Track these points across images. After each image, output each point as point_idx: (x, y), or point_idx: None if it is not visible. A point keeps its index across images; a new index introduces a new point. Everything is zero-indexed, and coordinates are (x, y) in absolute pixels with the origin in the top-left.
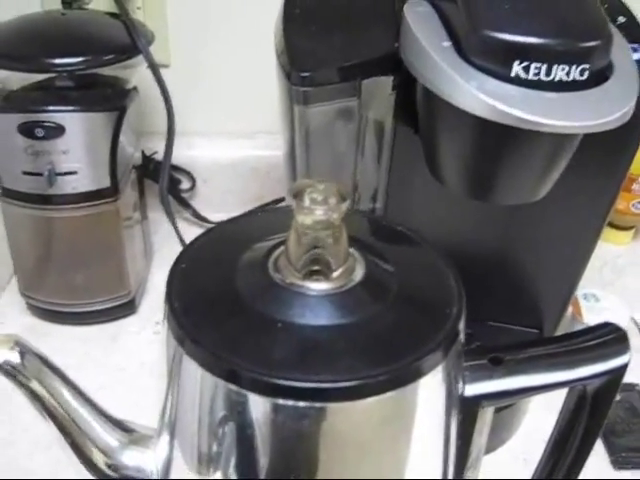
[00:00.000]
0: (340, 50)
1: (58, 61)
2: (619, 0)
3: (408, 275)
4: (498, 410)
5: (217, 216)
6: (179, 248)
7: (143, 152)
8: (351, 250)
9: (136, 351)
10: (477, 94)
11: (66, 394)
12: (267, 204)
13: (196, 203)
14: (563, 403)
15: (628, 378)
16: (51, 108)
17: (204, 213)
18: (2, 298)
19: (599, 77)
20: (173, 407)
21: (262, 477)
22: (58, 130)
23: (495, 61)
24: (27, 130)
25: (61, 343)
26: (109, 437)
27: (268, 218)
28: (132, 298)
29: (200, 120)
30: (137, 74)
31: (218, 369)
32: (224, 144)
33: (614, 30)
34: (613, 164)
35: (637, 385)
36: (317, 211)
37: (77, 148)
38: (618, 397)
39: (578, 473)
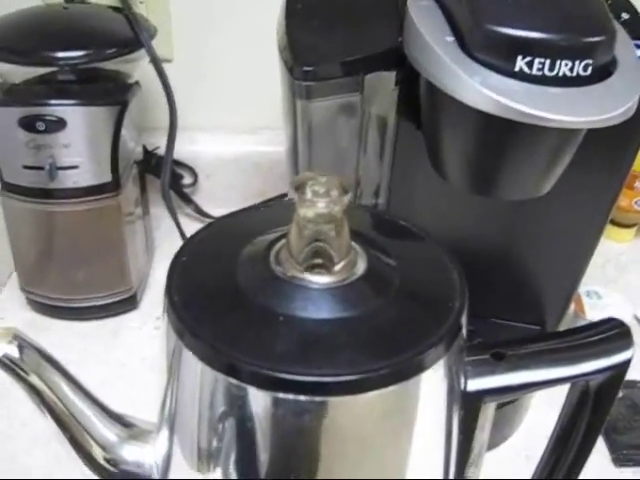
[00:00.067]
0: (343, 45)
1: (60, 55)
2: None
3: (410, 269)
4: (500, 406)
5: (219, 211)
6: (181, 244)
7: (145, 147)
8: (353, 244)
9: (137, 346)
10: (480, 89)
11: (65, 388)
12: (269, 200)
13: (198, 199)
14: (565, 399)
15: (630, 375)
16: (52, 102)
17: (206, 209)
18: (2, 293)
19: (603, 73)
20: (173, 401)
21: (262, 472)
22: (59, 124)
23: (498, 56)
24: (28, 124)
25: (61, 338)
26: (108, 432)
27: (269, 212)
28: (133, 293)
29: (203, 115)
30: (139, 69)
31: (218, 363)
32: (227, 139)
33: (618, 26)
34: (616, 161)
35: (639, 382)
36: (319, 204)
37: (78, 142)
38: (620, 394)
39: (580, 470)
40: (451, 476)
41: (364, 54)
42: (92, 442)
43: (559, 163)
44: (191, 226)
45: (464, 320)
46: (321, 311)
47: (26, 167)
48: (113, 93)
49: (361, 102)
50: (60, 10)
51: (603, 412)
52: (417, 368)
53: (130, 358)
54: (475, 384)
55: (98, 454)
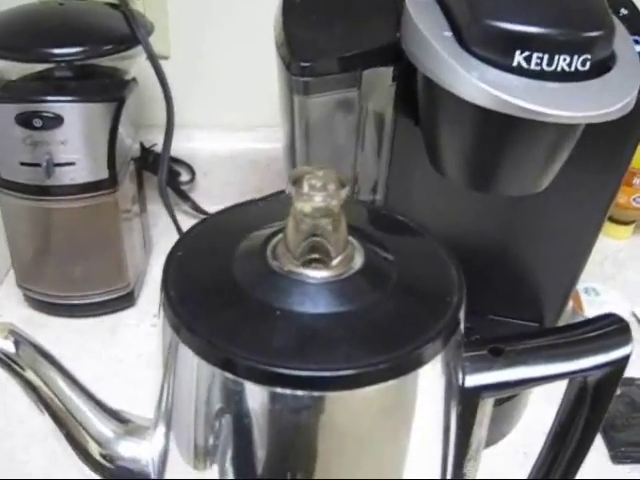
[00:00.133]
0: (340, 40)
1: (56, 51)
2: None
3: (408, 264)
4: (498, 403)
5: (216, 209)
6: None
7: (142, 144)
8: (350, 238)
9: (134, 344)
10: (478, 84)
11: (61, 384)
12: (267, 197)
13: (195, 196)
14: (563, 395)
15: (628, 372)
16: (49, 98)
17: (203, 206)
18: None
19: (601, 68)
20: (169, 397)
21: (259, 467)
22: (56, 120)
23: (497, 51)
24: (25, 120)
25: (58, 335)
26: (104, 428)
27: (266, 207)
28: (131, 290)
29: (200, 112)
30: (136, 65)
31: (214, 357)
32: (224, 136)
33: (617, 22)
34: (615, 157)
35: (637, 379)
36: (316, 197)
37: (75, 139)
38: (618, 392)
39: (578, 467)
40: (449, 471)
41: (362, 50)
42: (88, 438)
43: (557, 159)
44: (188, 223)
45: (462, 315)
46: (318, 306)
47: (23, 164)
48: (110, 90)
49: (359, 98)
50: (56, 6)
51: (601, 408)
52: (415, 363)
53: (127, 355)
54: (473, 380)
55: (94, 450)
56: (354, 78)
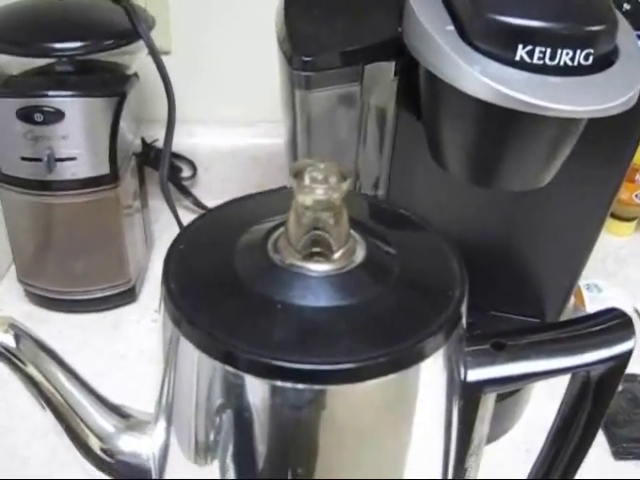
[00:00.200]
0: (342, 35)
1: (58, 46)
2: None
3: (410, 257)
4: (501, 399)
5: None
6: None
7: (143, 140)
8: (352, 232)
9: (136, 339)
10: (480, 78)
11: (62, 378)
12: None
13: (197, 191)
14: (566, 390)
15: (630, 369)
16: (50, 93)
17: (204, 201)
18: (0, 285)
19: (604, 62)
20: (170, 391)
21: (260, 461)
22: (57, 115)
23: (499, 45)
24: (26, 115)
25: (60, 331)
26: (105, 422)
27: (267, 200)
28: (132, 286)
29: (201, 108)
30: (138, 60)
31: (215, 351)
32: (225, 132)
33: (620, 16)
34: (617, 153)
35: (639, 375)
36: (317, 190)
37: (76, 133)
38: (620, 387)
39: (580, 463)
40: (451, 466)
41: (363, 44)
42: (89, 432)
43: (559, 154)
44: (189, 219)
45: (464, 309)
46: (319, 299)
47: (24, 159)
48: (111, 84)
49: (360, 93)
50: (57, 1)
51: (604, 403)
52: (416, 357)
53: (129, 351)
54: (475, 374)
55: (95, 445)
56: (356, 73)
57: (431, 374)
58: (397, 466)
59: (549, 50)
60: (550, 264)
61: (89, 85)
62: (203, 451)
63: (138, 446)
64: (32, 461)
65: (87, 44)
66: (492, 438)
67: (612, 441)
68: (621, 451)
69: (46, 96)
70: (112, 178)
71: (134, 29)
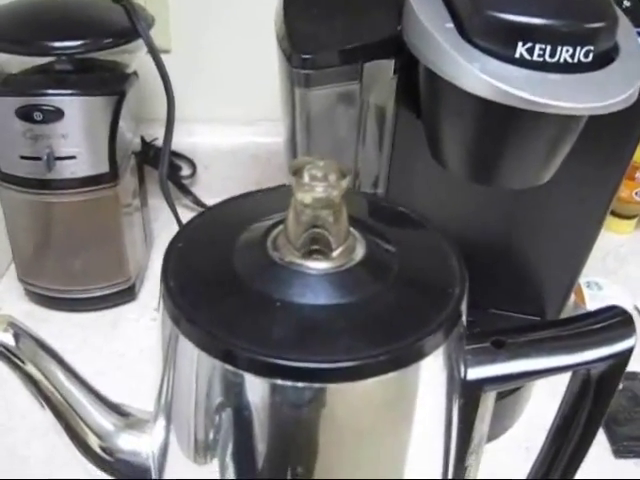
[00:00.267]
0: (342, 33)
1: (57, 44)
2: None
3: (409, 255)
4: (500, 397)
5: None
6: None
7: (143, 138)
8: (351, 229)
9: (135, 338)
10: (480, 75)
11: (61, 377)
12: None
13: (196, 190)
14: (566, 388)
15: (631, 367)
16: (50, 92)
17: (204, 200)
18: (0, 284)
19: (604, 59)
20: (169, 390)
21: (260, 459)
22: (57, 114)
23: (499, 42)
24: (25, 114)
25: (60, 329)
26: (104, 421)
27: (266, 198)
28: (132, 285)
29: (201, 106)
30: (137, 59)
31: (214, 349)
32: (224, 130)
33: (620, 13)
34: (617, 151)
35: None
36: (317, 188)
37: (76, 132)
38: (620, 386)
39: (580, 462)
40: (451, 465)
41: (363, 42)
42: (88, 431)
43: (559, 151)
44: (189, 217)
45: (464, 307)
46: (319, 297)
47: (23, 157)
48: (110, 83)
49: (360, 91)
50: (57, 0)
51: (604, 402)
52: (416, 355)
53: (128, 349)
54: (475, 372)
55: (94, 443)
56: (355, 71)
57: (431, 372)
58: (397, 465)
59: (549, 47)
60: (550, 262)
61: (88, 84)
62: (203, 450)
63: (137, 445)
64: (32, 460)
65: (86, 43)
66: (492, 436)
67: (613, 439)
68: (622, 449)
69: (45, 95)
70: (111, 177)
71: (133, 28)
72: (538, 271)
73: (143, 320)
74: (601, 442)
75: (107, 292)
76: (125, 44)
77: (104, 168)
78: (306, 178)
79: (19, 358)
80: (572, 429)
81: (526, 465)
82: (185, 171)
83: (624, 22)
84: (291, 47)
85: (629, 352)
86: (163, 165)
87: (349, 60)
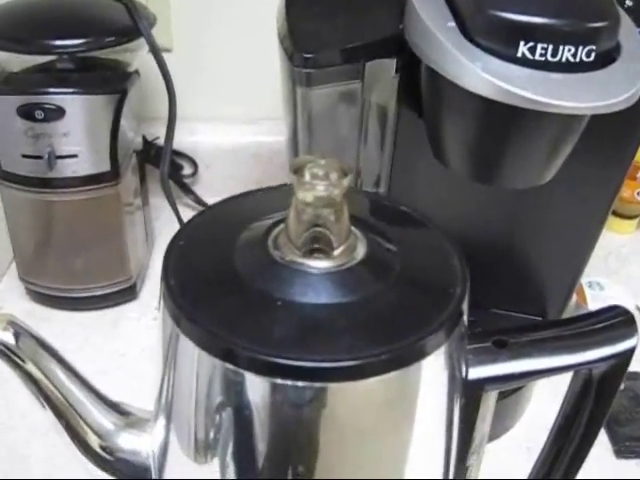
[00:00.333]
0: (343, 32)
1: (58, 43)
2: None
3: (411, 254)
4: (502, 397)
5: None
6: None
7: (145, 137)
8: (353, 228)
9: (136, 337)
10: (482, 74)
11: (61, 376)
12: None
13: (198, 189)
14: (568, 388)
15: (632, 367)
16: (51, 90)
17: (206, 199)
18: (1, 283)
19: (606, 59)
20: (170, 389)
21: (260, 458)
22: (58, 112)
23: (501, 41)
24: (27, 112)
25: (61, 328)
26: (104, 420)
27: (267, 197)
28: (133, 284)
29: (202, 105)
30: (139, 58)
31: (215, 348)
32: (226, 129)
33: (622, 13)
34: (619, 151)
35: None
36: (318, 186)
37: (77, 131)
38: (622, 386)
39: (582, 462)
40: (452, 464)
41: (364, 41)
42: (88, 430)
43: (561, 151)
44: (191, 216)
45: (465, 306)
46: (320, 296)
47: (25, 156)
48: (112, 82)
49: (361, 90)
50: None
51: (606, 402)
52: (417, 354)
53: (129, 348)
54: (476, 372)
55: (94, 442)
56: (357, 70)
57: (432, 372)
58: (398, 464)
59: (551, 46)
60: (552, 262)
61: (90, 82)
62: (203, 449)
63: (138, 444)
64: (32, 459)
65: (88, 41)
66: (494, 436)
67: (614, 440)
68: (623, 450)
69: (47, 93)
70: (113, 175)
71: (135, 26)
72: (540, 271)
73: (144, 319)
74: (602, 442)
75: (108, 291)
76: (127, 43)
77: (105, 167)
78: (307, 177)
79: (19, 357)
80: (574, 429)
81: (527, 465)
82: (186, 170)
83: (626, 21)
84: (293, 46)
85: (631, 352)
86: (164, 164)
87: (351, 59)
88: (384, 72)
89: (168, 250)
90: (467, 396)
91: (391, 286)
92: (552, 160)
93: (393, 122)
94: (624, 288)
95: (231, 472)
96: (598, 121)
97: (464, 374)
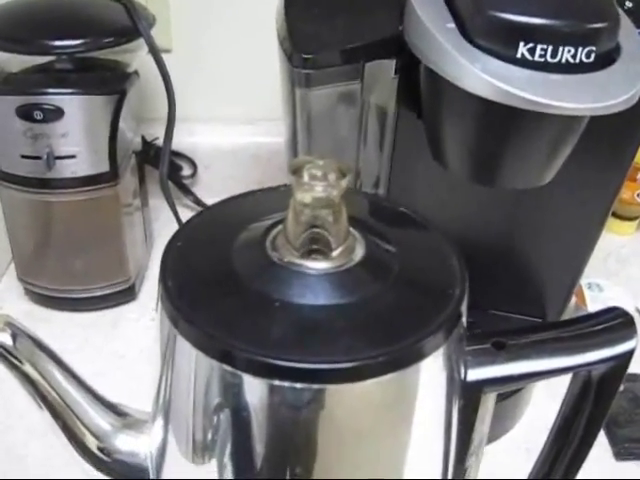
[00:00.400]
0: (343, 32)
1: (58, 43)
2: None
3: (409, 255)
4: (501, 398)
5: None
6: None
7: (144, 138)
8: (351, 229)
9: (135, 338)
10: (482, 75)
11: (59, 377)
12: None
13: (197, 190)
14: (567, 390)
15: (632, 368)
16: (50, 91)
17: (205, 199)
18: (0, 283)
19: (606, 60)
20: (167, 390)
21: (258, 460)
22: (57, 113)
23: (500, 42)
24: (26, 113)
25: (60, 329)
26: (102, 421)
27: (266, 198)
28: (132, 284)
29: (201, 106)
30: (138, 58)
31: (213, 350)
32: (225, 130)
33: (622, 14)
34: (618, 153)
35: None
36: (316, 187)
37: (76, 131)
38: (621, 387)
39: (581, 464)
40: (450, 466)
41: (364, 42)
42: (85, 431)
43: (561, 152)
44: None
45: (464, 308)
46: (318, 297)
47: (23, 156)
48: (111, 82)
49: (361, 91)
50: None
51: (605, 403)
52: (416, 356)
53: (128, 349)
54: (475, 374)
55: (92, 443)
56: (356, 71)
57: (431, 373)
58: (396, 466)
59: (550, 47)
60: (551, 263)
61: (89, 83)
62: (201, 450)
63: (135, 445)
64: (29, 460)
65: (87, 42)
66: (493, 438)
67: (613, 441)
68: (622, 452)
69: (46, 94)
70: (112, 176)
71: (134, 27)
72: (539, 272)
73: (143, 320)
74: (602, 444)
75: (107, 292)
76: (126, 43)
77: (104, 167)
78: (306, 177)
79: (16, 358)
80: (573, 431)
81: (527, 466)
82: (186, 171)
83: (626, 23)
84: (292, 47)
85: (630, 354)
86: (163, 165)
87: (350, 60)
88: (383, 73)
89: (166, 251)
90: (466, 398)
91: (389, 287)
92: (552, 161)
93: (392, 123)
94: (624, 289)
95: (229, 474)
96: (598, 122)
97: (463, 376)
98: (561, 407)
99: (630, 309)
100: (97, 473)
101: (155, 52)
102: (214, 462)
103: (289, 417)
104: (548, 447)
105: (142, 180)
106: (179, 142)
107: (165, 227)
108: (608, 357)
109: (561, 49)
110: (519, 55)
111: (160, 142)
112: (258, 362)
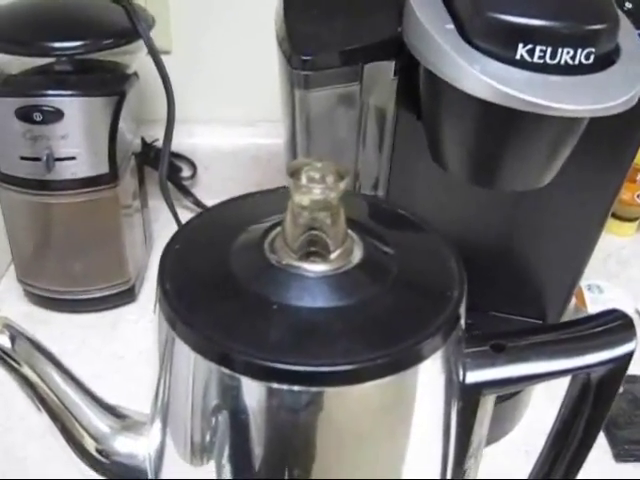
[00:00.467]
0: (342, 34)
1: (57, 45)
2: None
3: (408, 257)
4: (500, 401)
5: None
6: None
7: (143, 139)
8: (349, 232)
9: (134, 339)
10: (481, 77)
11: (57, 379)
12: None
13: (196, 191)
14: (566, 392)
15: (631, 370)
16: (50, 92)
17: (204, 201)
18: (0, 285)
19: (605, 61)
20: (166, 392)
21: (257, 463)
22: (56, 114)
23: (499, 44)
24: (25, 114)
25: (59, 331)
26: (100, 423)
27: (264, 200)
28: (131, 286)
29: (201, 107)
30: (138, 60)
31: (211, 353)
32: (225, 132)
33: (621, 15)
34: (618, 154)
35: None
36: (314, 190)
37: (76, 133)
38: (621, 389)
39: (580, 466)
40: (449, 469)
41: (363, 43)
42: (84, 433)
43: (560, 153)
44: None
45: (463, 310)
46: (316, 300)
47: (23, 158)
48: (111, 84)
49: (360, 92)
50: (57, 0)
51: (605, 405)
52: (415, 358)
53: (128, 351)
54: (474, 376)
55: (90, 445)
56: (355, 72)
57: (429, 376)
58: (395, 469)
59: (550, 49)
60: (551, 264)
61: (88, 84)
62: (199, 453)
63: (134, 447)
64: (28, 461)
65: (87, 43)
66: (492, 440)
67: (613, 443)
68: (622, 453)
69: (45, 95)
70: (111, 178)
71: (134, 28)
72: (539, 274)
73: (142, 321)
74: (601, 446)
75: (107, 293)
76: (125, 45)
77: (104, 169)
78: (304, 180)
79: (15, 360)
80: (572, 433)
81: (526, 468)
82: (185, 172)
83: (625, 24)
84: (291, 48)
85: (629, 356)
86: (163, 166)
87: (349, 61)
88: (382, 74)
89: (164, 253)
90: (465, 400)
91: (388, 289)
92: (551, 162)
93: (391, 124)
94: (624, 291)
95: (227, 476)
96: (597, 124)
97: (462, 378)
98: (560, 409)
99: (630, 311)
100: (95, 475)
101: (154, 53)
102: (212, 464)
103: (287, 420)
104: (547, 449)
105: (142, 181)
106: (179, 143)
107: (165, 228)
108: (607, 359)
109: (560, 50)
110: (518, 56)
111: (160, 143)
112: (256, 365)
